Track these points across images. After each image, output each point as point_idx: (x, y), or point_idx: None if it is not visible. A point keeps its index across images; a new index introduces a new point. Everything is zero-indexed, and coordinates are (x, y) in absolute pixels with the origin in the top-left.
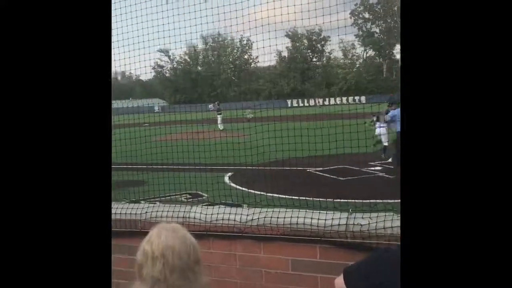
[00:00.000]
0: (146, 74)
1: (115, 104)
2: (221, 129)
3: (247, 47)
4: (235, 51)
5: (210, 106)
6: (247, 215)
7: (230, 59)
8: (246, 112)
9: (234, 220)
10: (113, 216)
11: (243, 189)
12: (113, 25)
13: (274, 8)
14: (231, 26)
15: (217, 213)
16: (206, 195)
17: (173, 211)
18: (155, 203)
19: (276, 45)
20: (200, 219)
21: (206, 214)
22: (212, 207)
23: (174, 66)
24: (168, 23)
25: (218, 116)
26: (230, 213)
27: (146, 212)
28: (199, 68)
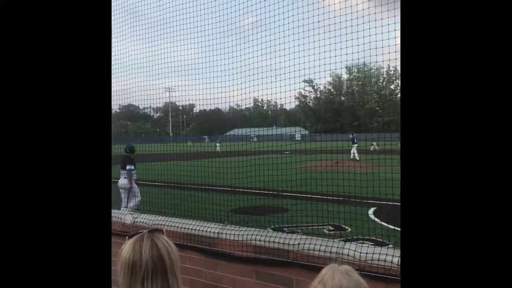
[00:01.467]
0: (290, 103)
1: (261, 131)
2: (357, 159)
3: (394, 77)
4: (380, 80)
5: (351, 136)
6: None
7: (375, 89)
8: (372, 144)
9: (391, 262)
10: (261, 244)
11: (388, 225)
12: (260, 59)
13: None
14: (376, 55)
15: (372, 253)
16: (349, 228)
17: (326, 245)
18: (298, 232)
19: None
20: (354, 257)
21: (360, 253)
22: (367, 245)
23: (318, 95)
24: (314, 53)
25: (354, 146)
26: (386, 254)
27: (299, 243)
28: (342, 98)
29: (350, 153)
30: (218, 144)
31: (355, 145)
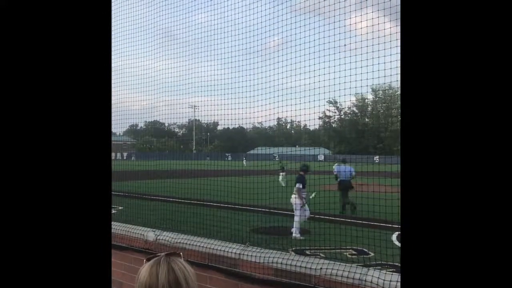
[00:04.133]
0: (314, 123)
1: (284, 151)
2: (283, 185)
3: None
4: None
5: (375, 158)
6: None
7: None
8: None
9: None
10: (282, 267)
11: None
12: (285, 80)
13: None
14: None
15: (396, 281)
16: (372, 253)
17: (349, 271)
18: (320, 256)
19: None
20: (377, 284)
21: (384, 280)
22: (391, 273)
23: (342, 116)
24: (340, 76)
25: (281, 173)
26: None
27: (321, 268)
28: (367, 119)
29: (377, 175)
30: (244, 160)
31: (283, 173)
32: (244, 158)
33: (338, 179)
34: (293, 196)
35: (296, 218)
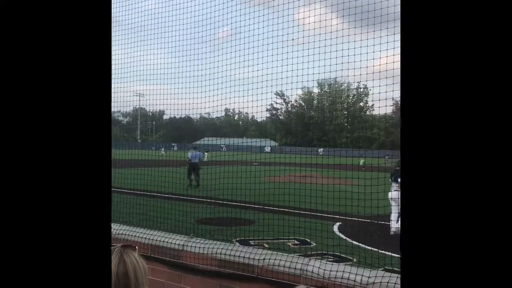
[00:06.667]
0: (262, 115)
1: (231, 142)
2: None
3: (363, 95)
4: (350, 97)
5: (320, 150)
6: (369, 277)
7: (345, 105)
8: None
9: (354, 280)
10: (226, 257)
11: (353, 241)
12: (234, 71)
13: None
14: (348, 76)
15: (336, 270)
16: (314, 243)
17: (291, 262)
18: (263, 246)
19: (393, 92)
20: (318, 274)
21: (324, 270)
22: (331, 263)
23: (289, 109)
24: (288, 70)
25: None
26: (350, 272)
27: (264, 258)
28: (312, 112)
29: (320, 167)
30: (162, 150)
31: None
32: (162, 148)
33: (190, 161)
34: (393, 190)
35: (396, 212)
